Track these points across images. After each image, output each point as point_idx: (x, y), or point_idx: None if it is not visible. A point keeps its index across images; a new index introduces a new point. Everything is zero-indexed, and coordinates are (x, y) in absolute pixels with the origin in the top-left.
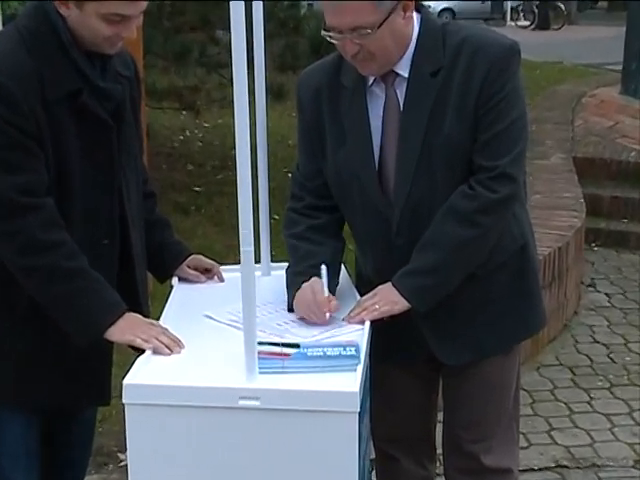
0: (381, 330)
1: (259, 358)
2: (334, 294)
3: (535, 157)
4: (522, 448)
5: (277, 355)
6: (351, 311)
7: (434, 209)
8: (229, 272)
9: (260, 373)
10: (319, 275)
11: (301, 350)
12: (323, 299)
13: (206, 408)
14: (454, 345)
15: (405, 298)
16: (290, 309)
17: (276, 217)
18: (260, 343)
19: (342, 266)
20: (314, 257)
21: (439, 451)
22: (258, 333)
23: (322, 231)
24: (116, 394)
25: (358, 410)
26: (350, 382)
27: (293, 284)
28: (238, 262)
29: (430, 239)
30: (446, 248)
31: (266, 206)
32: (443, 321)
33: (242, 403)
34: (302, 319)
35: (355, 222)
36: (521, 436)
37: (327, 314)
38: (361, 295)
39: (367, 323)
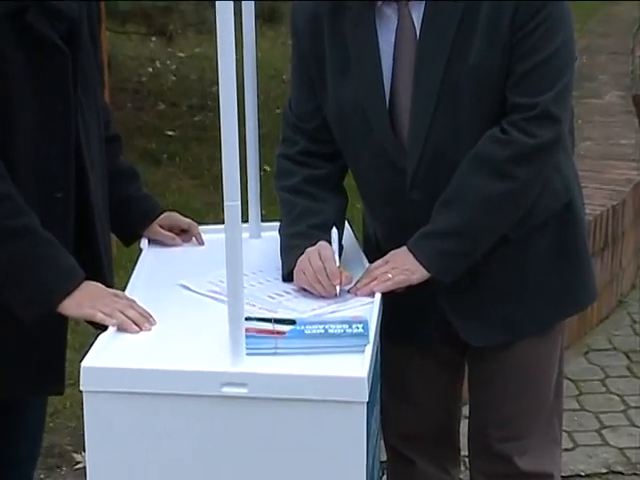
0: (394, 304)
1: (246, 337)
2: (340, 260)
3: (585, 95)
4: (566, 450)
5: (268, 333)
6: (358, 281)
7: (458, 157)
8: (210, 233)
9: (248, 355)
10: (323, 238)
11: (298, 327)
12: (335, 269)
13: (182, 397)
14: (482, 323)
15: (424, 266)
16: (285, 278)
17: (267, 168)
18: (248, 319)
19: (346, 225)
20: (315, 215)
21: (464, 453)
22: (245, 307)
23: (322, 183)
24: (71, 381)
25: (366, 400)
26: (357, 366)
27: (292, 248)
28: (221, 221)
29: (453, 194)
30: (473, 205)
31: (255, 155)
32: (469, 294)
33: (226, 391)
34: (301, 291)
35: (361, 173)
36: (565, 435)
37: (337, 287)
38: (370, 261)
39: (378, 296)
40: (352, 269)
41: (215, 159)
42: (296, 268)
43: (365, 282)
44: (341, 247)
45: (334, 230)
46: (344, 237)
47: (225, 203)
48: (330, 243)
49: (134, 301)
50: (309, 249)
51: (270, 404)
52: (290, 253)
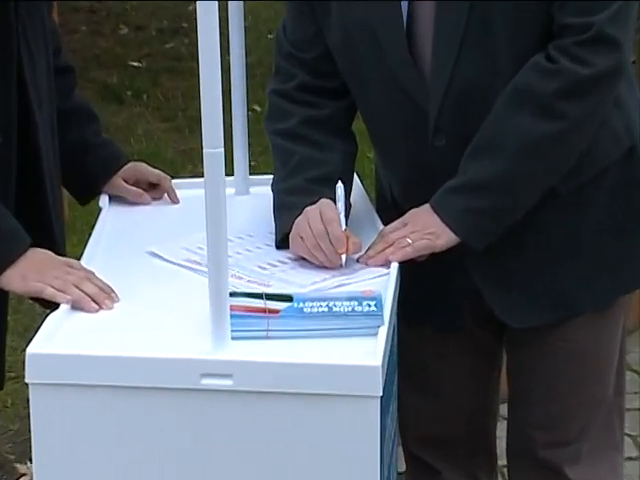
0: (414, 276)
1: (231, 316)
2: (346, 223)
3: None
4: (629, 459)
5: (259, 312)
6: (370, 248)
7: (491, 93)
8: (186, 189)
9: (233, 339)
10: (326, 195)
11: (295, 305)
12: (340, 234)
13: (151, 390)
14: (524, 298)
15: (450, 228)
16: (279, 245)
17: (257, 108)
18: (233, 294)
19: (355, 178)
20: (316, 166)
21: (501, 462)
22: (230, 280)
23: (325, 126)
24: (13, 374)
25: (381, 394)
26: (369, 353)
27: (287, 207)
28: (199, 174)
29: (487, 138)
30: (512, 151)
31: (242, 91)
32: (507, 262)
33: (206, 383)
34: (299, 260)
35: (373, 113)
36: (628, 440)
37: (343, 256)
38: (385, 224)
39: (394, 266)
40: (362, 233)
41: (192, 96)
42: (292, 232)
43: (379, 249)
44: (348, 206)
45: (339, 185)
46: (353, 193)
47: (205, 151)
48: (334, 201)
49: (92, 273)
50: (309, 208)
51: (260, 399)
52: (285, 213)
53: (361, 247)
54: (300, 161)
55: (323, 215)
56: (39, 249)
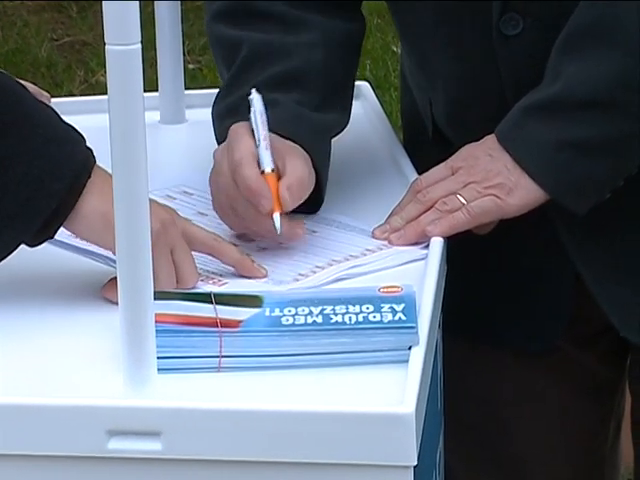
0: (472, 263)
1: (159, 334)
2: (325, 170)
3: None
4: None
5: (204, 325)
6: (395, 212)
7: None
8: (76, 114)
9: (161, 371)
10: (287, 111)
11: (266, 312)
12: (253, 180)
13: (31, 459)
14: None
15: (532, 175)
16: None
17: None
18: (161, 295)
19: (368, 89)
20: (275, 59)
21: None
22: None
23: None
24: None
25: (414, 463)
26: (394, 392)
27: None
28: (97, 88)
29: (591, 22)
30: (636, 38)
31: None
32: (635, 244)
33: (116, 447)
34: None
35: None
36: None
37: (277, 218)
38: (419, 170)
39: (436, 243)
40: (380, 185)
41: None
42: (211, 183)
43: (410, 215)
44: (332, 123)
45: (253, 92)
46: (363, 114)
47: (108, 47)
48: (295, 118)
49: None
50: (216, 149)
51: (207, 472)
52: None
53: (302, 192)
54: (248, 55)
55: (229, 157)
56: None
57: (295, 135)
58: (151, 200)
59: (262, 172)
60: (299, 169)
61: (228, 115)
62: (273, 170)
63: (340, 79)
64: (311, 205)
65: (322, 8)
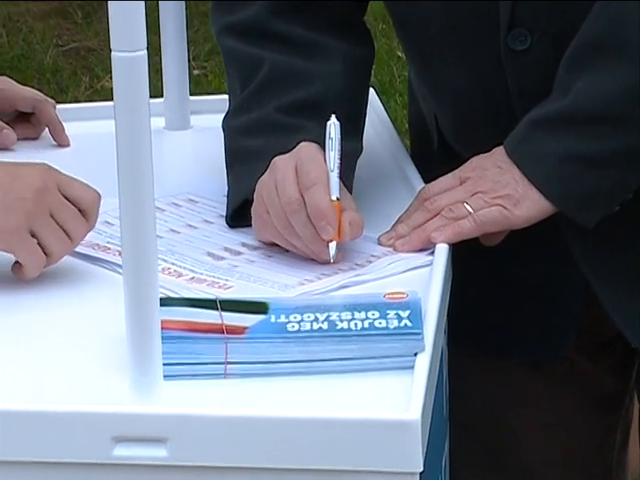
0: (477, 271)
1: (165, 340)
2: (350, 187)
3: None
4: None
5: (210, 332)
6: (402, 219)
7: None
8: (81, 120)
9: (167, 378)
10: (314, 137)
11: (272, 319)
12: (326, 206)
13: (37, 465)
14: None
15: (539, 188)
16: (233, 221)
17: None
18: (166, 302)
19: (376, 102)
20: (297, 83)
21: None
22: (162, 277)
23: (313, 13)
24: None
25: (420, 469)
26: (399, 399)
27: (244, 157)
28: (106, 94)
29: (601, 35)
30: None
31: None
32: (637, 257)
33: (121, 454)
34: (271, 245)
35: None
36: None
37: (332, 245)
38: (426, 180)
39: (442, 250)
40: (387, 194)
41: None
42: (255, 202)
43: (416, 222)
44: (354, 152)
45: (333, 120)
46: (369, 127)
47: (114, 54)
48: (324, 146)
49: None
50: (278, 160)
51: (215, 479)
52: (242, 169)
53: (361, 227)
54: (269, 76)
55: (300, 173)
56: None
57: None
58: (20, 166)
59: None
60: (354, 205)
61: (245, 133)
62: (338, 199)
63: (357, 105)
64: None
65: (336, 31)
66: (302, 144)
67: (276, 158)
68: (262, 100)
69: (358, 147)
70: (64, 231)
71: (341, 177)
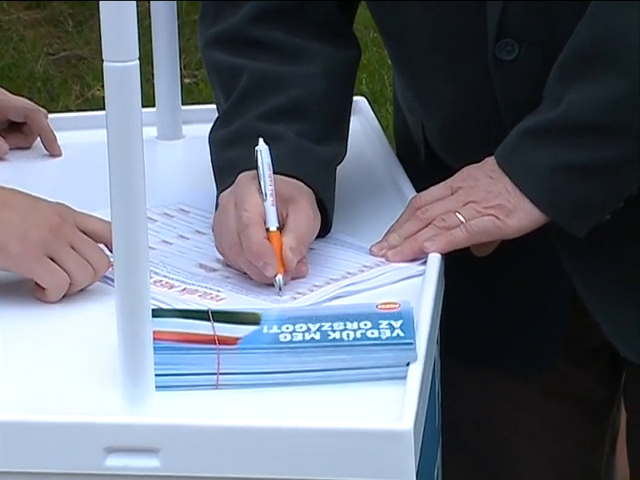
0: (469, 281)
1: (157, 351)
2: (331, 202)
3: None
4: None
5: (202, 342)
6: (393, 229)
7: None
8: (73, 129)
9: (159, 388)
10: (290, 144)
11: (264, 329)
12: (259, 246)
13: (29, 476)
14: None
15: (531, 198)
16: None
17: None
18: (158, 313)
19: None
20: (277, 88)
21: None
22: (154, 288)
23: (294, 17)
24: None
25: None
26: (392, 410)
27: (226, 169)
28: (97, 104)
29: (590, 44)
30: (635, 59)
31: None
32: (633, 261)
33: (114, 464)
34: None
35: (395, 10)
36: None
37: (279, 279)
38: (417, 187)
39: (434, 260)
40: (379, 202)
41: None
42: (215, 224)
43: (408, 231)
44: (334, 155)
45: (260, 143)
46: (360, 131)
47: (106, 64)
48: (297, 151)
49: None
50: (222, 196)
51: None
52: (225, 180)
53: (305, 270)
54: (250, 84)
55: (237, 211)
56: None
57: (299, 172)
58: (38, 200)
59: (267, 229)
60: (303, 220)
61: (228, 145)
62: (278, 228)
63: (340, 108)
64: (317, 235)
65: (319, 35)
66: (240, 176)
67: (221, 194)
68: (243, 109)
69: (339, 152)
70: (85, 260)
71: (315, 186)
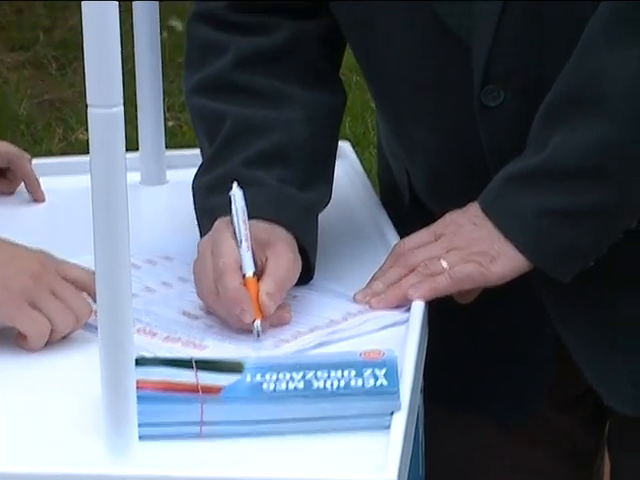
0: (453, 328)
1: (140, 400)
2: (313, 247)
3: None
4: None
5: (186, 391)
6: (377, 276)
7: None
8: (56, 174)
9: (142, 439)
10: (268, 190)
11: (247, 378)
12: (235, 293)
13: None
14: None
15: (515, 244)
16: None
17: (176, 25)
18: (141, 362)
19: (349, 151)
20: (259, 134)
21: None
22: (137, 337)
23: (277, 61)
24: None
25: None
26: (375, 460)
27: (208, 216)
28: (80, 149)
29: (575, 88)
30: (621, 103)
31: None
32: (618, 308)
33: None
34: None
35: (383, 55)
36: None
37: (257, 325)
38: (401, 232)
39: (417, 307)
40: (363, 248)
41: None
42: (194, 272)
43: (391, 279)
44: (316, 200)
45: (235, 189)
46: (345, 175)
47: (90, 110)
48: (276, 196)
49: None
50: (200, 243)
51: None
52: (206, 224)
53: (288, 317)
54: (233, 130)
55: (214, 258)
56: None
57: (280, 217)
58: (17, 247)
59: (244, 275)
60: (282, 265)
61: (210, 191)
62: (255, 273)
63: (323, 154)
64: (300, 281)
65: (304, 80)
66: (216, 223)
67: (200, 241)
68: (227, 155)
69: (323, 197)
70: (67, 307)
71: (296, 232)
